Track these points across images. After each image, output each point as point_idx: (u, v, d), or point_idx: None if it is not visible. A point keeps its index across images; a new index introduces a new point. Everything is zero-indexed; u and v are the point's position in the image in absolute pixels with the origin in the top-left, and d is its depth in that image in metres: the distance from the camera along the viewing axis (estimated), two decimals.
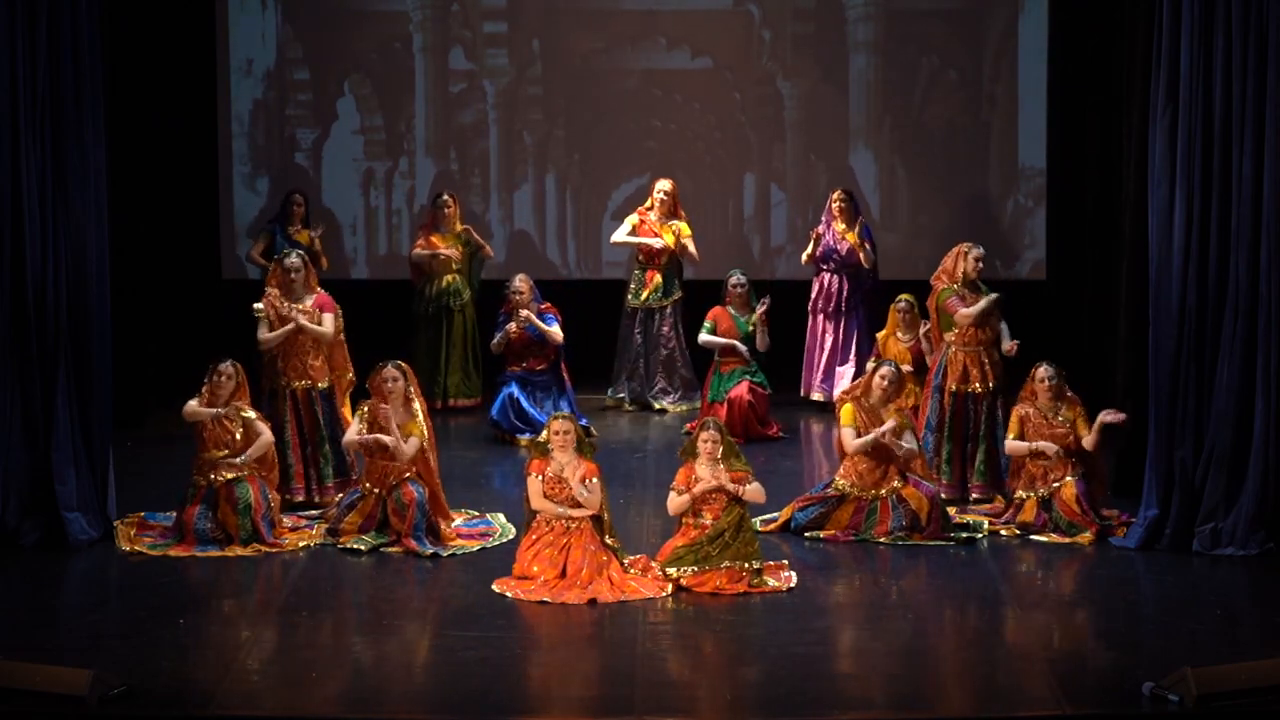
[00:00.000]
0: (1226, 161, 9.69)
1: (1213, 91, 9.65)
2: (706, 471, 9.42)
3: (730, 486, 9.39)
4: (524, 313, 12.43)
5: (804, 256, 13.58)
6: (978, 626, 8.77)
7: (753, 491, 9.46)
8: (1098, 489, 10.32)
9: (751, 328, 12.83)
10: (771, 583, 9.24)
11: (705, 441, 9.46)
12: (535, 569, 9.25)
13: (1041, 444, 10.25)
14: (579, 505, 9.36)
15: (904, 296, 12.52)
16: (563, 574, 9.18)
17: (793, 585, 9.28)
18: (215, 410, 10.02)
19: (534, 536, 9.41)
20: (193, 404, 10.07)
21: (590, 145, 14.96)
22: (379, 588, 9.36)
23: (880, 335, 12.61)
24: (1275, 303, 9.66)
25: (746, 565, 9.22)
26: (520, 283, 12.57)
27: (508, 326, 12.50)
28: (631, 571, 9.31)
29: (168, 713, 7.57)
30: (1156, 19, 9.81)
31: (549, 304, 12.62)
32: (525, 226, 14.99)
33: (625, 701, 7.72)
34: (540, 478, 9.44)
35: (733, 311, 12.90)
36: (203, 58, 14.57)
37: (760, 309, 12.76)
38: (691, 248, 13.56)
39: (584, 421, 12.79)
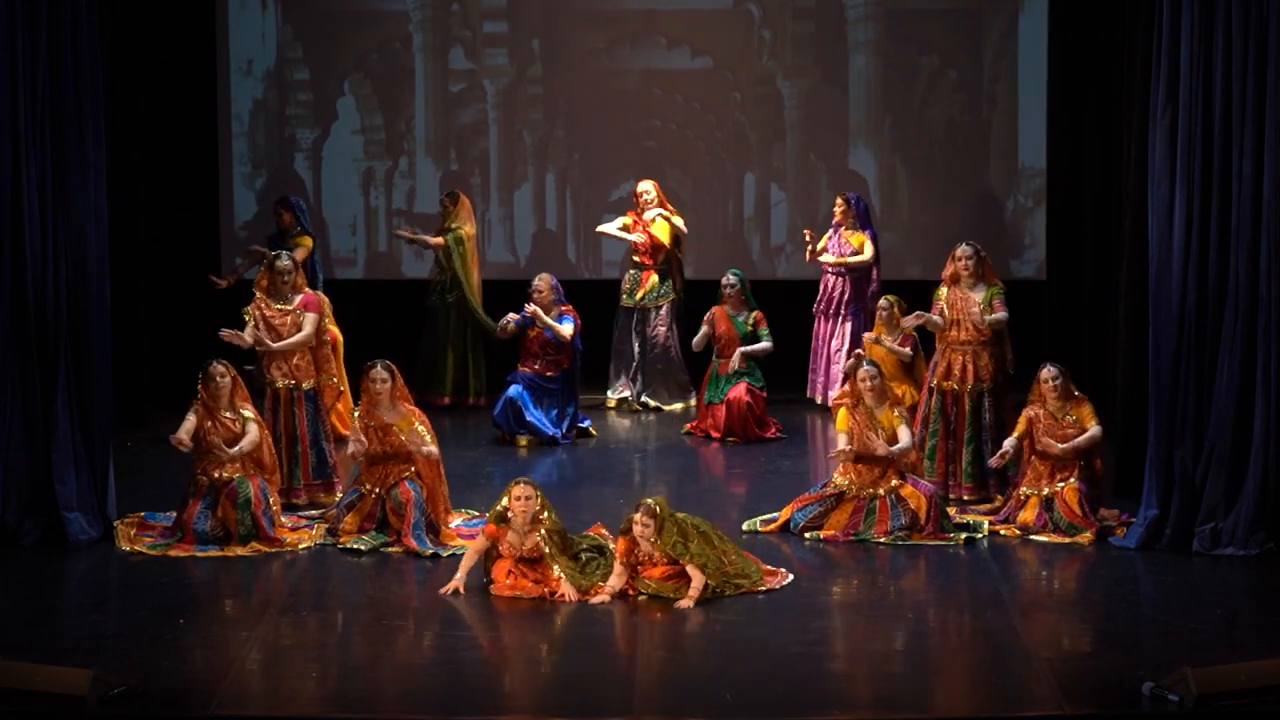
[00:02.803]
0: (1226, 161, 9.68)
1: (1213, 91, 9.64)
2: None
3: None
4: (531, 307, 12.38)
5: (807, 254, 13.57)
6: (977, 626, 8.76)
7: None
8: (1099, 490, 10.31)
9: (749, 327, 12.82)
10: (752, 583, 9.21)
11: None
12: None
13: (1046, 442, 10.23)
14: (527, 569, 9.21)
15: (887, 298, 12.53)
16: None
17: (783, 585, 9.28)
18: (183, 439, 9.96)
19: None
20: (185, 429, 10.00)
21: (590, 145, 14.96)
22: (379, 588, 9.36)
23: (867, 337, 12.57)
24: (1275, 303, 9.65)
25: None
26: (540, 281, 12.53)
27: (510, 315, 12.44)
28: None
29: (168, 713, 7.57)
30: (1156, 19, 9.80)
31: (569, 305, 12.58)
32: (526, 226, 14.99)
33: (623, 702, 7.72)
34: (494, 545, 9.18)
35: (730, 311, 12.88)
36: (203, 58, 14.58)
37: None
38: (678, 220, 13.49)
39: (585, 422, 12.80)
